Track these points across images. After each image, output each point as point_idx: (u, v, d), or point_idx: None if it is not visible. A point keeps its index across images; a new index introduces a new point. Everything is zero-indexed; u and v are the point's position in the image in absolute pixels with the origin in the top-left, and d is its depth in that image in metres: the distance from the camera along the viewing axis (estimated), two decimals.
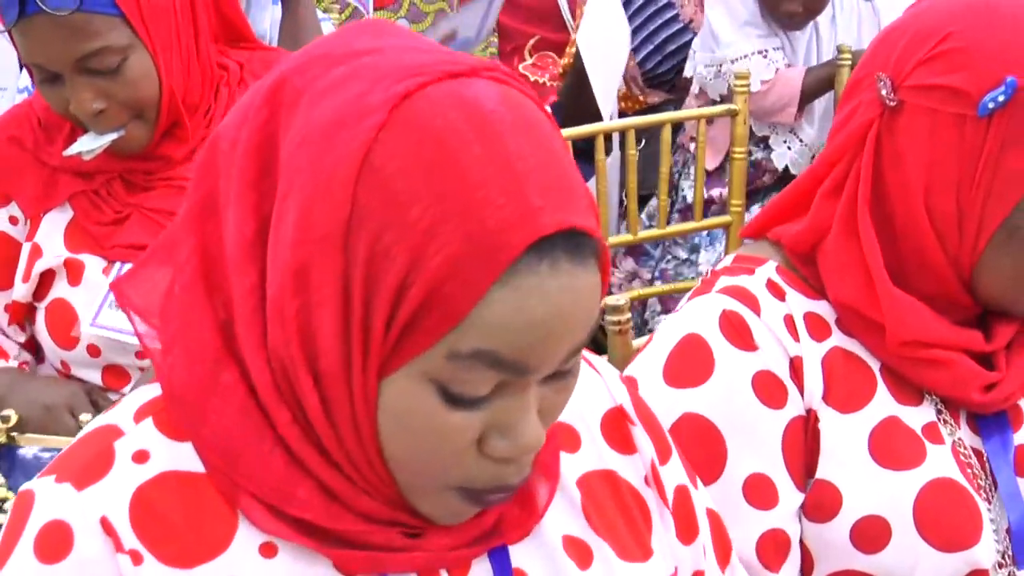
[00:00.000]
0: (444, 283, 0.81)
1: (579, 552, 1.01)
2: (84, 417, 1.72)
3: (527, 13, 3.30)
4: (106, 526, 0.90)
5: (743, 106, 2.64)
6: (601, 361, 1.12)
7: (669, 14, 3.03)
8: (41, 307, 1.77)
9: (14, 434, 1.69)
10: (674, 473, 1.10)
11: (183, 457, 0.92)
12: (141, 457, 0.92)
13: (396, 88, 0.83)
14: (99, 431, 0.95)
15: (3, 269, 1.78)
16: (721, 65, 2.80)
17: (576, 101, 2.99)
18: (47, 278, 1.76)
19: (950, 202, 1.23)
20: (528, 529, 0.98)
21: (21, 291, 1.76)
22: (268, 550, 0.91)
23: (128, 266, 1.71)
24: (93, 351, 1.74)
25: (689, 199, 2.91)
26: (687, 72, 3.02)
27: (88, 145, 1.70)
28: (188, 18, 1.74)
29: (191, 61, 1.74)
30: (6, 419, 1.69)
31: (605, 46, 2.87)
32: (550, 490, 1.00)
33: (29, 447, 1.70)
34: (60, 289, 1.75)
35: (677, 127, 2.95)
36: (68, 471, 0.92)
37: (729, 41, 2.84)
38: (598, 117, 2.91)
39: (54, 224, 1.76)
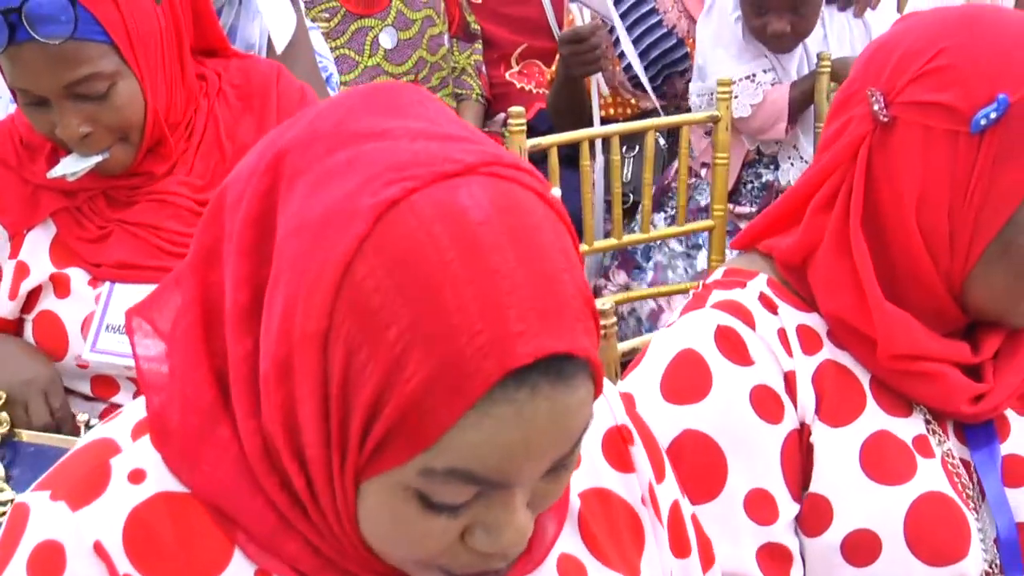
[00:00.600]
0: (416, 407, 0.79)
1: (573, 571, 1.00)
2: (82, 417, 1.72)
3: (514, 22, 3.30)
4: (99, 550, 0.89)
5: (725, 113, 2.63)
6: (632, 383, 1.13)
7: (653, 20, 3.02)
8: (29, 319, 1.76)
9: (16, 430, 1.69)
10: (668, 491, 1.10)
11: (178, 479, 0.92)
12: (137, 477, 0.91)
13: (383, 194, 0.80)
14: (96, 444, 0.94)
15: None
16: (712, 93, 2.80)
17: (564, 105, 2.98)
18: (34, 293, 1.75)
19: (942, 217, 1.23)
20: (530, 567, 0.97)
21: (8, 308, 1.75)
22: None
23: (112, 284, 1.72)
24: (82, 364, 1.73)
25: (702, 203, 2.91)
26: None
27: (72, 167, 1.69)
28: (173, 41, 1.73)
29: (175, 82, 1.74)
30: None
31: None
32: (557, 529, 0.99)
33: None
34: (48, 302, 1.74)
35: (668, 133, 2.94)
36: (63, 488, 0.91)
37: (716, 69, 2.83)
38: (583, 120, 2.92)
39: (38, 241, 1.75)
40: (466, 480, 0.81)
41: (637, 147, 2.84)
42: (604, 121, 3.00)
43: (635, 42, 3.02)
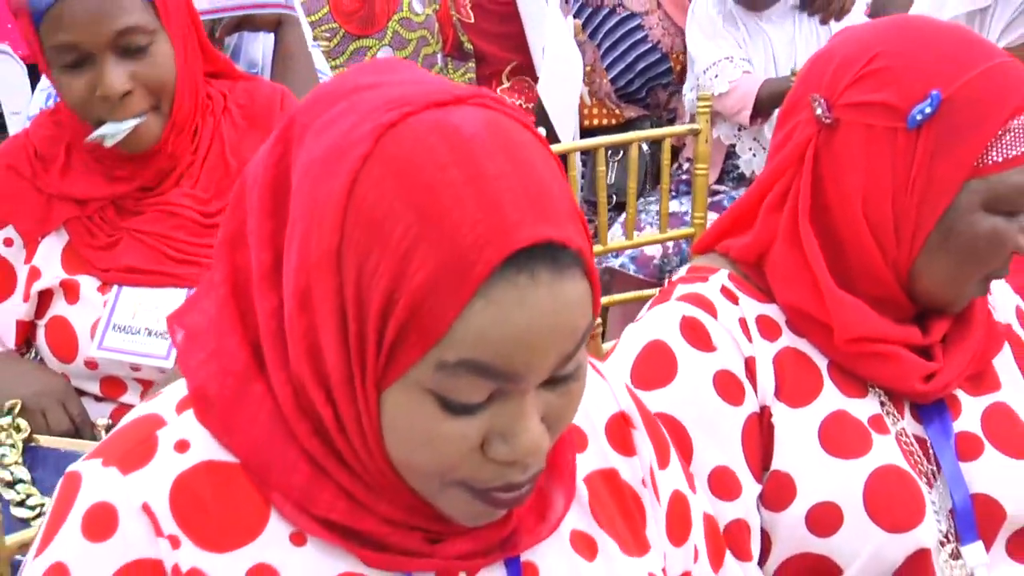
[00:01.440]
0: (425, 299, 0.81)
1: (586, 546, 1.01)
2: (101, 421, 1.73)
3: (505, 41, 3.30)
4: (147, 511, 0.91)
5: (705, 126, 2.65)
6: (607, 368, 1.13)
7: (639, 35, 3.06)
8: (41, 324, 1.78)
9: (37, 436, 1.71)
10: (672, 478, 1.11)
11: (221, 448, 0.94)
12: (182, 447, 0.93)
13: (382, 119, 0.84)
14: (143, 419, 0.96)
15: (1, 287, 1.79)
16: (698, 78, 2.84)
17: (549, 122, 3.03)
18: (45, 297, 1.77)
19: (887, 209, 1.26)
20: (541, 539, 0.98)
21: (23, 310, 1.78)
22: (298, 539, 0.92)
23: (119, 287, 1.74)
24: (91, 365, 1.75)
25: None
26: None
27: (111, 130, 1.71)
28: (194, 36, 1.78)
29: (194, 65, 1.78)
30: (11, 408, 1.71)
31: (562, 83, 2.90)
32: (567, 500, 1.00)
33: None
34: (58, 307, 1.76)
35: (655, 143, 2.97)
36: (114, 455, 0.93)
37: (699, 53, 2.88)
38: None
39: (51, 248, 1.77)
40: (478, 372, 0.83)
41: (621, 152, 2.87)
42: (589, 130, 3.04)
43: (622, 55, 3.06)
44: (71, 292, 1.75)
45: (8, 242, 1.79)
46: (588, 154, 2.80)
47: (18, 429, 1.72)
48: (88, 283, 1.75)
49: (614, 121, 3.13)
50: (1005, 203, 1.24)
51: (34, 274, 1.77)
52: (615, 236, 2.80)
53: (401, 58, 0.93)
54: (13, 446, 1.70)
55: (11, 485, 1.68)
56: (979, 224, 1.25)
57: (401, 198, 0.82)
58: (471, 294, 0.81)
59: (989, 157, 1.23)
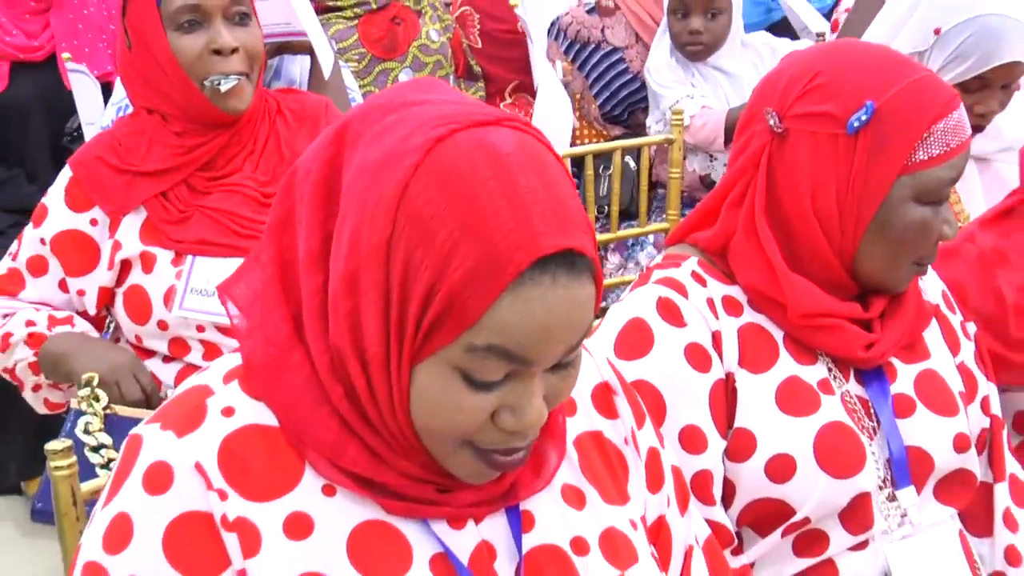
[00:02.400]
0: (462, 291, 0.83)
1: (575, 497, 1.02)
2: (168, 391, 1.75)
3: (508, 63, 3.31)
4: (199, 469, 0.91)
5: (678, 136, 2.66)
6: (592, 344, 1.14)
7: (621, 67, 3.06)
8: (120, 292, 1.79)
9: (114, 406, 1.71)
10: (647, 436, 1.12)
11: (261, 413, 0.94)
12: (228, 412, 0.94)
13: (432, 133, 0.85)
14: (195, 389, 0.97)
15: (87, 260, 1.80)
16: (665, 114, 2.84)
17: None
18: (124, 268, 1.78)
19: (832, 204, 1.27)
20: (537, 491, 0.99)
21: (107, 277, 1.79)
22: (329, 491, 0.93)
23: (193, 257, 1.76)
24: (162, 326, 1.76)
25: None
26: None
27: (223, 78, 1.77)
28: None
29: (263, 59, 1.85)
30: (89, 381, 1.72)
31: (553, 123, 2.91)
32: (559, 458, 1.01)
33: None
34: (135, 277, 1.77)
35: (637, 156, 2.98)
36: (170, 421, 0.94)
37: (663, 93, 2.89)
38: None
39: (131, 224, 1.79)
40: (500, 355, 0.85)
41: (612, 167, 2.87)
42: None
43: (607, 84, 3.06)
44: (147, 263, 1.77)
45: (93, 222, 1.80)
46: (580, 168, 2.81)
47: (97, 399, 1.72)
48: (163, 255, 1.77)
49: (601, 140, 3.13)
50: (931, 195, 1.26)
51: (116, 246, 1.79)
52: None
53: (441, 79, 0.95)
54: (95, 415, 1.70)
55: (95, 450, 1.68)
56: (910, 215, 1.26)
57: (446, 204, 0.83)
58: (501, 290, 0.83)
59: (917, 156, 1.24)
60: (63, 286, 1.83)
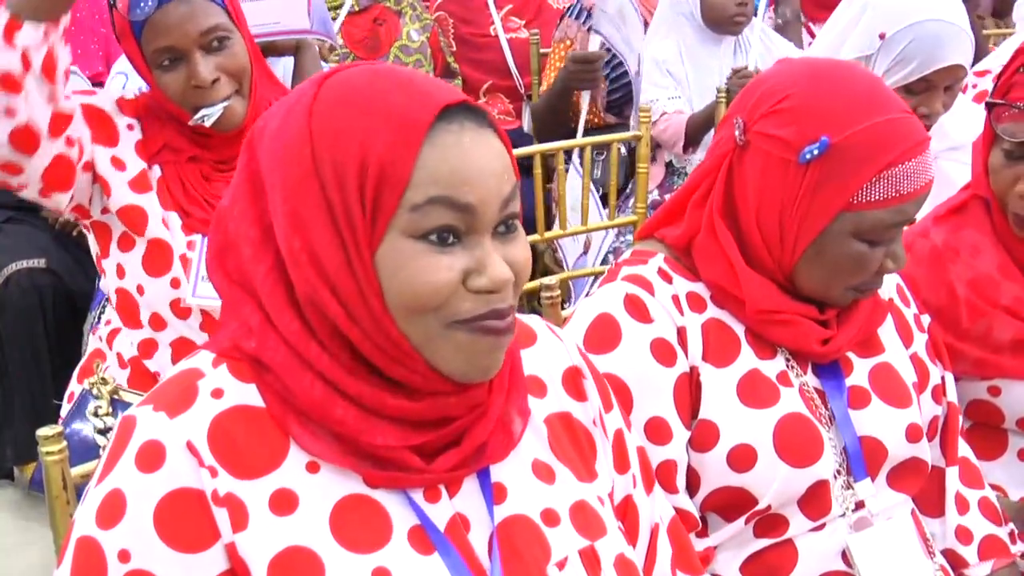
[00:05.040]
0: (387, 159, 0.87)
1: (545, 472, 1.02)
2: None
3: (481, 65, 3.32)
4: (191, 447, 0.91)
5: (645, 132, 2.64)
6: (570, 332, 1.14)
7: (615, 61, 3.04)
8: (142, 241, 1.75)
9: (120, 391, 1.72)
10: (614, 419, 1.12)
11: (248, 395, 0.94)
12: (217, 394, 0.94)
13: (319, 78, 0.92)
14: (186, 372, 0.96)
15: (106, 132, 1.76)
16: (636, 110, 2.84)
17: (549, 115, 3.01)
18: (140, 182, 1.75)
19: (774, 222, 1.25)
20: (507, 452, 0.99)
21: (88, 182, 1.74)
22: (312, 467, 0.93)
23: (198, 237, 1.74)
24: (175, 284, 1.74)
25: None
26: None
27: (208, 111, 1.74)
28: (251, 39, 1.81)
29: (260, 61, 1.81)
30: (97, 367, 1.71)
31: None
32: (523, 424, 1.02)
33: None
34: (156, 231, 1.74)
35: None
36: (162, 402, 0.93)
37: (646, 90, 2.88)
38: (562, 127, 2.97)
39: (152, 172, 1.77)
40: (442, 204, 0.88)
41: (605, 152, 2.86)
42: (587, 128, 3.03)
43: (607, 74, 3.03)
44: (165, 222, 1.75)
45: (130, 127, 1.77)
46: (580, 155, 2.79)
47: (104, 383, 1.71)
48: (174, 220, 1.75)
49: (598, 122, 3.11)
50: (870, 234, 1.23)
51: (143, 149, 1.77)
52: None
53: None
54: (102, 398, 1.70)
55: (103, 432, 1.67)
56: (847, 247, 1.24)
57: (349, 109, 0.89)
58: (419, 146, 0.87)
59: (863, 196, 1.21)
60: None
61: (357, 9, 3.03)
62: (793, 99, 1.23)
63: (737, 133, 1.26)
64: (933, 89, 1.92)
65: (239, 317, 0.94)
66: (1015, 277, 1.54)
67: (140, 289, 1.76)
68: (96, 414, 1.68)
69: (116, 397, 1.71)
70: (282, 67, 2.52)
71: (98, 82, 2.90)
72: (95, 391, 1.70)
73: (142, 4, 1.67)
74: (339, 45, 2.59)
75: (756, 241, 1.27)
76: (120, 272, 1.78)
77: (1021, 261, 1.55)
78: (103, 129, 1.75)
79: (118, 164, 1.75)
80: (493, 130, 0.91)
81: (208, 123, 1.73)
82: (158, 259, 1.74)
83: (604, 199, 2.79)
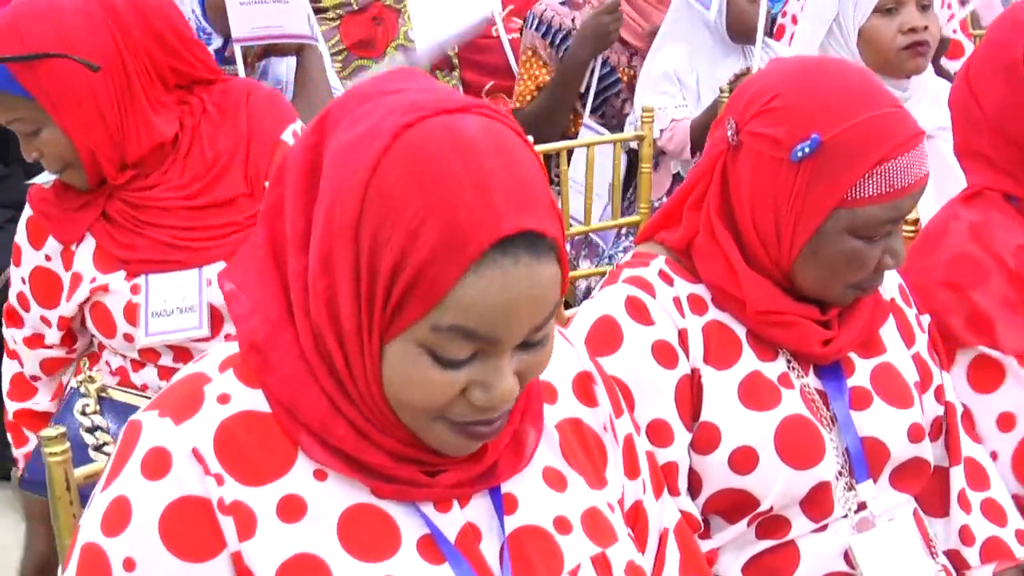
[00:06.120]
0: (427, 270, 0.82)
1: (556, 479, 1.02)
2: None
3: (483, 67, 3.32)
4: (196, 454, 0.90)
5: (648, 133, 2.64)
6: (572, 335, 1.13)
7: (612, 76, 3.05)
8: (87, 307, 1.75)
9: (108, 389, 1.71)
10: (624, 424, 1.11)
11: (256, 400, 0.93)
12: (224, 399, 0.93)
13: (401, 119, 0.84)
14: (192, 377, 0.95)
15: (53, 294, 1.77)
16: (637, 110, 2.83)
17: (559, 111, 3.01)
18: (88, 295, 1.75)
19: (770, 221, 1.25)
20: (518, 470, 0.99)
21: (68, 308, 1.75)
22: (320, 475, 0.92)
23: (147, 278, 1.70)
24: (128, 339, 1.72)
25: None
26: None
27: (44, 179, 1.73)
28: (120, 98, 1.66)
29: (120, 127, 1.67)
30: (92, 376, 1.70)
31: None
32: (537, 438, 1.01)
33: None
34: (98, 296, 1.73)
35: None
36: (168, 407, 0.92)
37: (647, 96, 2.86)
38: (565, 123, 2.95)
39: (85, 252, 1.73)
40: (464, 335, 0.84)
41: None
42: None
43: (600, 87, 3.03)
44: (104, 289, 1.72)
45: (48, 258, 1.76)
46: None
47: (92, 381, 1.71)
48: (116, 278, 1.71)
49: (579, 123, 3.10)
50: (865, 230, 1.23)
51: (76, 279, 1.74)
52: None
53: (419, 70, 0.93)
54: (90, 396, 1.69)
55: (91, 431, 1.67)
56: (843, 244, 1.23)
57: (412, 185, 0.82)
58: (464, 269, 0.81)
59: (856, 193, 1.21)
60: (45, 321, 1.80)
61: (356, 8, 3.04)
62: (783, 98, 1.23)
63: (729, 134, 1.26)
64: (905, 5, 1.95)
65: (262, 306, 0.92)
66: None
67: (111, 347, 1.77)
68: (84, 412, 1.67)
69: (104, 395, 1.70)
70: (285, 66, 2.52)
71: None
72: (82, 389, 1.69)
73: None
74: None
75: (753, 241, 1.27)
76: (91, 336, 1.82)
77: None
78: (51, 295, 1.76)
79: (76, 279, 1.75)
80: (552, 254, 0.85)
81: (46, 187, 1.72)
82: (104, 320, 1.74)
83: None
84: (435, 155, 0.83)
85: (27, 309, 1.81)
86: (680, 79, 2.84)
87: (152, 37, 1.70)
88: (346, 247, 0.84)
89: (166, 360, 1.74)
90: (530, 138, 0.91)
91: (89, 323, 1.76)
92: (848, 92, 1.22)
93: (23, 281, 1.79)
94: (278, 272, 0.92)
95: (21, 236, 1.78)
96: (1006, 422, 1.47)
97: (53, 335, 1.79)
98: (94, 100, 1.64)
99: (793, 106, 1.22)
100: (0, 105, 1.61)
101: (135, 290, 1.70)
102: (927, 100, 2.09)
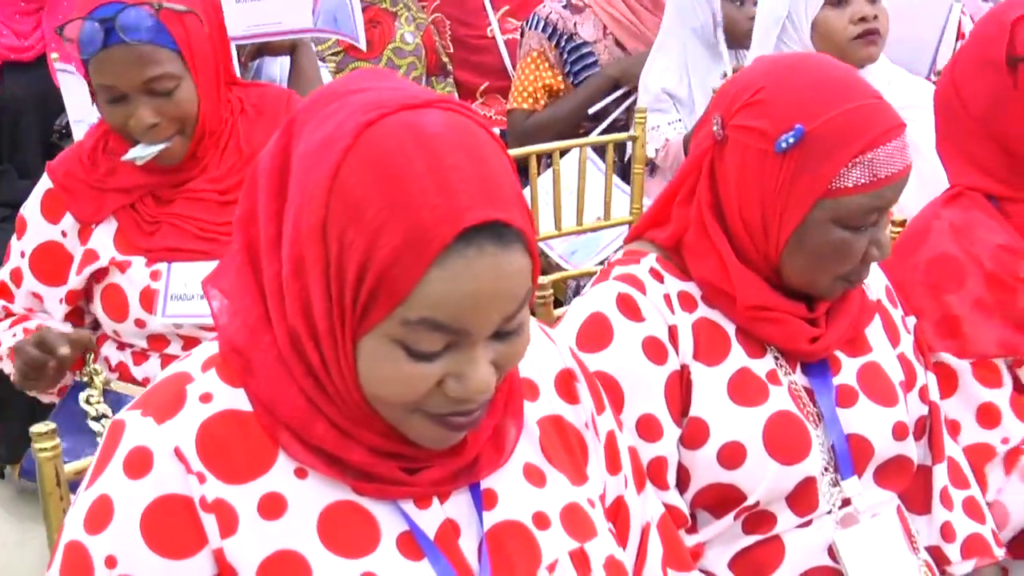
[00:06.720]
0: (391, 268, 0.82)
1: (536, 476, 1.03)
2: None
3: (478, 67, 3.34)
4: (178, 453, 0.91)
5: (641, 133, 2.65)
6: (555, 332, 1.14)
7: (591, 60, 3.03)
8: (98, 288, 1.77)
9: (112, 383, 1.74)
10: (606, 421, 1.12)
11: (238, 400, 0.94)
12: (206, 398, 0.94)
13: (362, 118, 0.85)
14: (175, 376, 0.96)
15: (59, 270, 1.79)
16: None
17: (573, 118, 3.01)
18: (100, 273, 1.77)
19: (757, 214, 1.27)
20: (498, 466, 0.99)
21: (76, 281, 1.77)
22: (301, 473, 0.93)
23: (164, 264, 1.74)
24: (140, 324, 1.75)
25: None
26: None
27: (140, 152, 1.72)
28: (218, 63, 1.77)
29: (219, 94, 1.77)
30: (96, 368, 1.72)
31: None
32: (517, 434, 1.01)
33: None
34: (114, 277, 1.75)
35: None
36: (151, 407, 0.93)
37: (646, 103, 2.86)
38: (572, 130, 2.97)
39: (104, 234, 1.77)
40: (434, 327, 0.84)
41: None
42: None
43: (577, 74, 3.03)
44: (123, 267, 1.75)
45: (64, 234, 1.78)
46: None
47: (97, 373, 1.74)
48: (137, 261, 1.75)
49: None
50: (850, 220, 1.25)
51: (90, 255, 1.76)
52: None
53: (388, 69, 0.94)
54: (95, 388, 1.72)
55: (96, 419, 1.70)
56: (828, 235, 1.25)
57: (375, 184, 0.83)
58: (428, 264, 0.82)
59: (839, 182, 1.23)
60: (37, 296, 1.82)
61: None
62: (767, 91, 1.25)
63: (715, 128, 1.29)
64: None
65: (241, 310, 0.94)
66: None
67: (117, 334, 1.79)
68: (88, 402, 1.69)
69: (107, 388, 1.73)
70: (279, 66, 2.53)
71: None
72: (86, 379, 1.72)
73: (88, 46, 1.65)
74: (361, 43, 2.57)
75: (742, 235, 1.29)
76: (97, 323, 1.83)
77: None
78: (56, 273, 1.78)
79: (91, 255, 1.77)
80: (520, 244, 0.85)
81: (139, 163, 1.72)
82: (116, 303, 1.76)
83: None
84: (396, 153, 0.83)
85: (18, 284, 1.82)
86: (673, 94, 2.85)
87: (221, 25, 1.79)
88: (315, 249, 0.85)
89: (174, 348, 1.76)
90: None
91: (97, 306, 1.78)
92: (831, 84, 1.24)
93: (22, 255, 1.80)
94: (255, 277, 0.93)
95: (33, 209, 1.79)
96: (952, 429, 1.50)
97: (59, 311, 1.80)
98: (215, 62, 1.73)
99: (777, 99, 1.24)
100: (150, 59, 1.65)
101: (155, 276, 1.73)
102: (881, 86, 2.13)
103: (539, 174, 2.70)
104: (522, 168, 2.70)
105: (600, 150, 2.81)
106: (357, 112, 0.85)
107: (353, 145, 0.84)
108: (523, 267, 0.86)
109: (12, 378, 1.73)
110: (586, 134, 2.95)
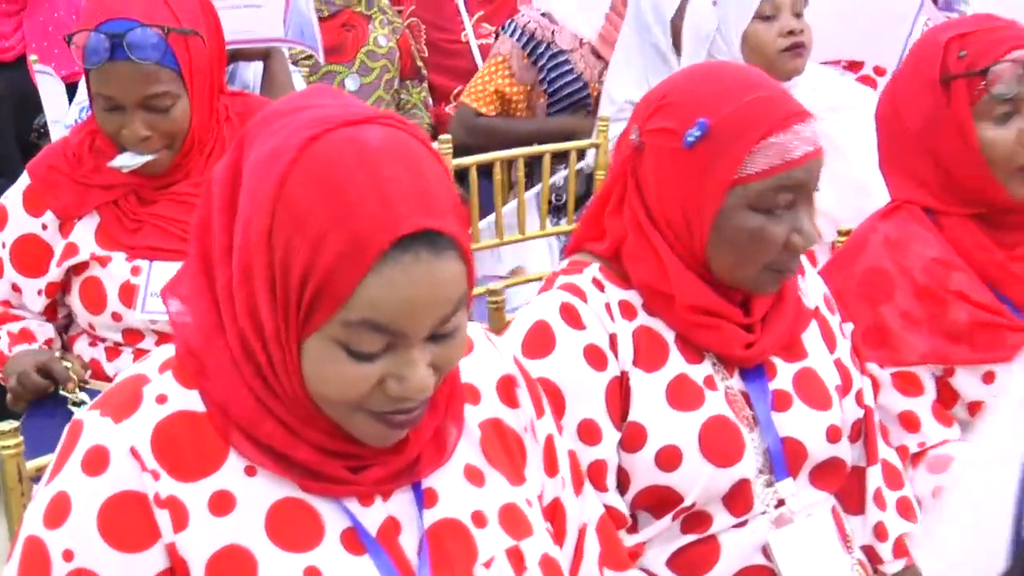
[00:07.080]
0: (332, 274, 0.87)
1: (475, 476, 1.06)
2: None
3: (451, 72, 3.36)
4: (134, 452, 0.94)
5: (603, 140, 2.70)
6: (499, 339, 1.18)
7: (567, 67, 3.08)
8: (77, 281, 1.81)
9: (90, 381, 1.78)
10: (545, 425, 1.16)
11: (191, 401, 0.97)
12: (162, 400, 0.97)
13: (306, 133, 0.90)
14: (133, 378, 1.00)
15: (38, 262, 1.83)
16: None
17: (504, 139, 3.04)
18: (81, 266, 1.81)
19: (678, 212, 1.32)
20: (439, 465, 1.03)
21: (55, 273, 1.81)
22: (250, 471, 0.97)
23: (151, 263, 1.78)
24: (116, 318, 1.79)
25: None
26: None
27: (127, 161, 1.77)
28: (213, 77, 1.81)
29: (212, 107, 1.81)
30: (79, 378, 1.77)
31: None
32: (458, 435, 1.05)
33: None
34: (93, 271, 1.79)
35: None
36: (108, 407, 0.97)
37: (610, 98, 2.92)
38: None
39: (86, 228, 1.81)
40: (373, 329, 0.89)
41: (566, 162, 2.88)
42: None
43: (552, 82, 3.08)
44: (103, 262, 1.79)
45: (44, 227, 1.82)
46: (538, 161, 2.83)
47: (74, 371, 1.79)
48: (118, 257, 1.79)
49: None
50: (761, 203, 1.29)
51: (71, 249, 1.80)
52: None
53: (334, 87, 0.99)
54: (71, 380, 1.77)
55: (77, 405, 1.75)
56: (745, 221, 1.30)
57: (317, 196, 0.88)
58: (366, 270, 0.87)
59: (746, 169, 1.28)
60: (16, 288, 1.85)
61: (326, 15, 3.07)
62: (672, 95, 1.32)
63: (633, 137, 1.34)
64: (782, 11, 2.22)
65: (196, 315, 0.97)
66: (959, 267, 1.59)
67: (92, 327, 1.83)
68: (68, 391, 1.75)
69: (90, 388, 1.78)
70: (252, 72, 2.56)
71: (72, 82, 2.95)
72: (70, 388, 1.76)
73: (93, 56, 1.69)
74: (320, 56, 2.63)
75: (670, 237, 1.33)
76: (72, 315, 1.86)
77: (964, 254, 1.60)
78: (36, 264, 1.81)
79: (72, 248, 1.80)
80: (454, 251, 0.90)
81: (124, 171, 1.76)
82: (94, 295, 1.79)
83: (563, 207, 2.87)
84: (338, 166, 0.88)
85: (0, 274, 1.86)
86: (635, 104, 2.88)
87: (221, 40, 1.82)
88: (262, 257, 0.89)
89: (148, 343, 1.80)
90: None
91: (75, 298, 1.81)
92: (731, 81, 1.31)
93: (2, 246, 1.84)
94: (209, 284, 0.97)
95: (14, 202, 1.83)
96: (884, 432, 1.55)
97: (38, 304, 1.84)
98: (212, 79, 1.77)
99: (682, 99, 1.31)
100: (153, 78, 1.70)
101: (135, 271, 1.78)
102: (806, 92, 2.20)
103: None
104: (484, 170, 2.75)
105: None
106: (302, 128, 0.91)
107: (298, 158, 0.89)
108: (456, 273, 0.91)
109: (8, 399, 1.78)
110: None
